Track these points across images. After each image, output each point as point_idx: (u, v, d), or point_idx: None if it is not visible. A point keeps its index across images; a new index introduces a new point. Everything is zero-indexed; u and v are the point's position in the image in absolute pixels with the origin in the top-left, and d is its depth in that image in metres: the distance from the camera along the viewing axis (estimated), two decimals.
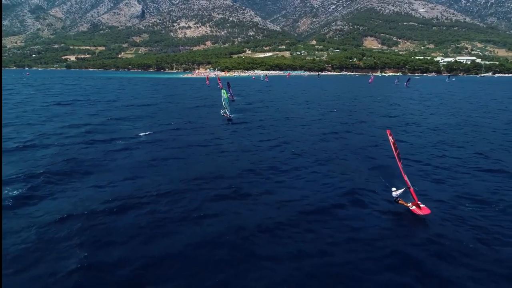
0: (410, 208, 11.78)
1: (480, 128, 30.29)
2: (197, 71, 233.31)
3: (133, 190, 13.85)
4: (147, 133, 25.68)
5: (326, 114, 39.45)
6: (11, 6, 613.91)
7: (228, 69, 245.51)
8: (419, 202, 11.75)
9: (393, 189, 12.19)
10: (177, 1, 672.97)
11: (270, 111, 40.62)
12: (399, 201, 12.13)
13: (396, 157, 12.03)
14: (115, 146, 21.46)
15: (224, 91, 34.23)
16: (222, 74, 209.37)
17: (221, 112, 35.22)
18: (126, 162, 17.91)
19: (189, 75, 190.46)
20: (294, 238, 10.36)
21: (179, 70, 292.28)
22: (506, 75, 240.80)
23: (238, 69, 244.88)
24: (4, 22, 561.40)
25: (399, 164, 11.97)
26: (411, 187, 11.95)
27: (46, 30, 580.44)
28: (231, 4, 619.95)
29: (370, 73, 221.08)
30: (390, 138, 12.07)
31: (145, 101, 52.57)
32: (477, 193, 14.18)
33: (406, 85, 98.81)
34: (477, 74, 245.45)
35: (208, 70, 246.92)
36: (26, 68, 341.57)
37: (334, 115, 38.48)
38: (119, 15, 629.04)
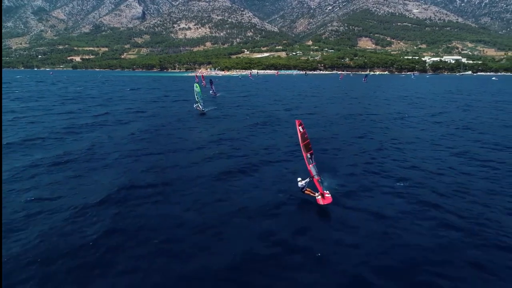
0: (316, 198, 11.78)
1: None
2: (199, 70, 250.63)
3: None
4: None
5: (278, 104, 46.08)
6: (14, 8, 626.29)
7: (228, 68, 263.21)
8: (324, 192, 11.79)
9: (299, 179, 12.02)
10: (177, 3, 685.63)
11: (243, 106, 43.32)
12: (306, 191, 12.00)
13: (302, 147, 12.00)
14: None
15: (197, 84, 34.52)
16: (222, 73, 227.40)
17: (194, 105, 35.19)
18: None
19: (193, 74, 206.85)
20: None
21: (181, 70, 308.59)
22: (488, 73, 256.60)
23: (236, 69, 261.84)
24: (8, 24, 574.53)
25: (304, 155, 11.99)
26: (314, 177, 12.03)
27: (49, 31, 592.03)
28: (230, 5, 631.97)
29: (360, 72, 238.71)
30: (299, 128, 12.00)
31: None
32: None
33: (364, 80, 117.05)
34: (459, 72, 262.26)
35: (209, 70, 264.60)
36: (35, 69, 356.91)
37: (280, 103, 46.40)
38: (120, 17, 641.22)
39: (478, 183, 14.70)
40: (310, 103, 48.62)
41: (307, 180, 12.04)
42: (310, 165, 12.24)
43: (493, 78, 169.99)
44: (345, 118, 33.61)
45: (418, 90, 77.73)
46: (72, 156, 18.07)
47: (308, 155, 12.25)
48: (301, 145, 12.13)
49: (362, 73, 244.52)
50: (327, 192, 12.01)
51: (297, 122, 12.24)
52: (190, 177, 14.88)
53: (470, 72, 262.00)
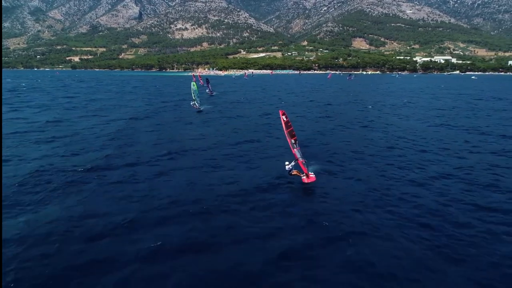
0: (302, 177, 12.98)
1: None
2: (198, 70, 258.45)
3: None
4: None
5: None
6: (11, 8, 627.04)
7: (225, 68, 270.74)
8: (309, 173, 12.89)
9: (286, 163, 13.14)
10: (173, 3, 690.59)
11: (236, 105, 45.07)
12: (293, 173, 13.04)
13: (286, 134, 12.97)
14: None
15: (194, 83, 35.75)
16: (220, 72, 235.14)
17: (191, 103, 36.50)
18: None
19: (193, 73, 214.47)
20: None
21: (180, 70, 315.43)
22: (476, 72, 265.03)
23: (233, 69, 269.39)
24: (5, 24, 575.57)
25: (289, 141, 12.95)
26: (299, 159, 12.97)
27: (46, 31, 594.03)
28: (226, 6, 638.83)
29: (353, 71, 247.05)
30: (283, 117, 12.94)
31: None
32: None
33: (349, 79, 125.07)
34: (448, 72, 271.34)
35: (207, 69, 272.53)
36: (35, 69, 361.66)
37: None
38: (117, 17, 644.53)
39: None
40: (293, 96, 57.09)
41: (293, 163, 13.07)
42: (295, 149, 13.09)
43: (473, 77, 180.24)
44: (317, 106, 42.36)
45: (394, 87, 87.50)
46: (168, 121, 29.61)
47: (293, 140, 13.10)
48: (285, 132, 13.06)
49: (355, 72, 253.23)
50: (311, 173, 13.11)
51: (280, 112, 13.17)
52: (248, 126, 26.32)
53: (458, 72, 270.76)
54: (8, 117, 29.41)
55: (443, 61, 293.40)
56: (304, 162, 13.12)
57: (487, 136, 23.19)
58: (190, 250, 8.71)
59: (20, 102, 41.57)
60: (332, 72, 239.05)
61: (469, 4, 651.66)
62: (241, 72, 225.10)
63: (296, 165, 13.06)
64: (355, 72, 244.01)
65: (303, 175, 12.96)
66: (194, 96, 35.30)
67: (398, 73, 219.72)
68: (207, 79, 59.23)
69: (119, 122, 27.50)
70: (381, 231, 9.89)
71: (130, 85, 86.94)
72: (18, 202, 11.13)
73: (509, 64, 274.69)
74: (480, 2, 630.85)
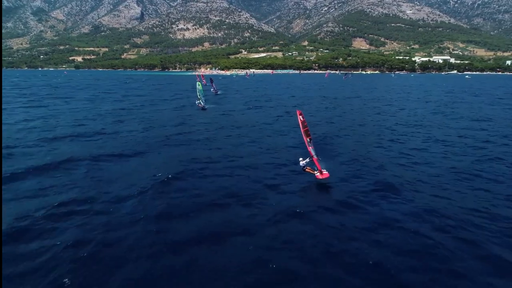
0: (315, 174, 13.13)
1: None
2: (202, 70, 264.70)
3: None
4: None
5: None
6: (14, 9, 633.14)
7: (227, 68, 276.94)
8: (322, 170, 13.09)
9: (300, 159, 13.42)
10: (175, 4, 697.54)
11: (238, 104, 44.98)
12: (306, 169, 13.31)
13: (303, 133, 13.61)
14: None
15: (199, 83, 37.19)
16: (223, 72, 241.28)
17: (196, 102, 37.83)
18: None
19: (196, 73, 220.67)
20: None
21: (182, 70, 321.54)
22: (473, 72, 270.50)
23: (235, 68, 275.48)
24: (8, 24, 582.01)
25: (305, 139, 13.67)
26: (314, 156, 13.44)
27: (49, 31, 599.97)
28: (228, 6, 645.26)
29: (352, 71, 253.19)
30: (300, 117, 13.49)
31: None
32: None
33: (344, 78, 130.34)
34: (445, 71, 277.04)
35: (209, 69, 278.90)
36: (39, 69, 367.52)
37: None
38: (119, 17, 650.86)
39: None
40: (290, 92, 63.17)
41: (307, 160, 13.43)
42: (310, 147, 13.70)
43: (466, 76, 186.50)
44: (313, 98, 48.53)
45: (390, 85, 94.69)
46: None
47: (308, 139, 13.72)
48: (302, 131, 13.65)
49: (355, 72, 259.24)
50: (325, 170, 13.31)
51: (297, 112, 13.69)
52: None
53: (455, 72, 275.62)
54: (71, 106, 35.68)
55: (441, 61, 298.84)
56: (318, 159, 13.62)
57: (450, 119, 30.26)
58: (241, 164, 15.39)
59: (64, 97, 47.48)
60: (332, 72, 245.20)
61: (469, 4, 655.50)
62: (243, 72, 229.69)
63: (310, 162, 13.57)
64: (354, 72, 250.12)
65: (317, 172, 13.24)
66: (199, 95, 37.00)
67: (394, 73, 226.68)
68: (211, 79, 61.63)
69: (167, 111, 33.67)
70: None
71: (146, 84, 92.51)
72: (143, 150, 17.60)
73: (506, 64, 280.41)
74: (480, 2, 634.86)
